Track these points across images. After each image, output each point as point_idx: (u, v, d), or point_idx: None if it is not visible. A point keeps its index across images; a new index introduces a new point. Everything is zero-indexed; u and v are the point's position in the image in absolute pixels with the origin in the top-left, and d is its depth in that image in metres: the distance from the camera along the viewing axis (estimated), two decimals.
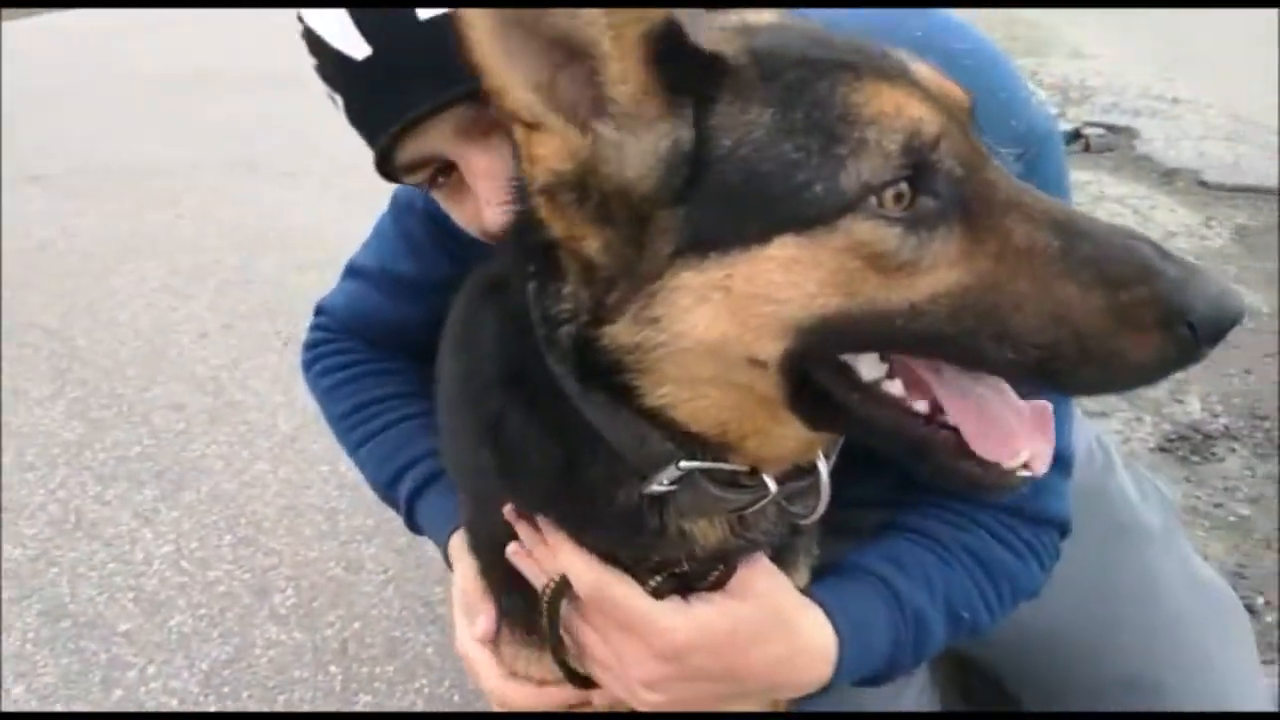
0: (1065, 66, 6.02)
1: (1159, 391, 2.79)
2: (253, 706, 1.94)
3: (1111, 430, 2.64)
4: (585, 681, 1.03)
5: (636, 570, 0.93)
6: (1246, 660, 1.47)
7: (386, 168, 1.07)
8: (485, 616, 1.09)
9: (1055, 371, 0.71)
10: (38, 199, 5.14)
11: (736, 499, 0.86)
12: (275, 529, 2.45)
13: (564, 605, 0.97)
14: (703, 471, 0.83)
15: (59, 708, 1.98)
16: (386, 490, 1.33)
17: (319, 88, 1.07)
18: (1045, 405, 0.81)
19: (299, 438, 2.78)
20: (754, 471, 0.85)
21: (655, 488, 0.84)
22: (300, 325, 1.52)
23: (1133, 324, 0.68)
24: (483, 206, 1.03)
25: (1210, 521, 2.29)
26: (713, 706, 1.03)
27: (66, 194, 5.18)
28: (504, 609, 1.08)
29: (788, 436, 0.83)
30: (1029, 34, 6.98)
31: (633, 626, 0.93)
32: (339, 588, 2.23)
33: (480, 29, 0.68)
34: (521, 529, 0.99)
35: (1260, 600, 2.06)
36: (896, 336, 0.73)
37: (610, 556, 0.94)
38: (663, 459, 0.83)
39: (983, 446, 0.76)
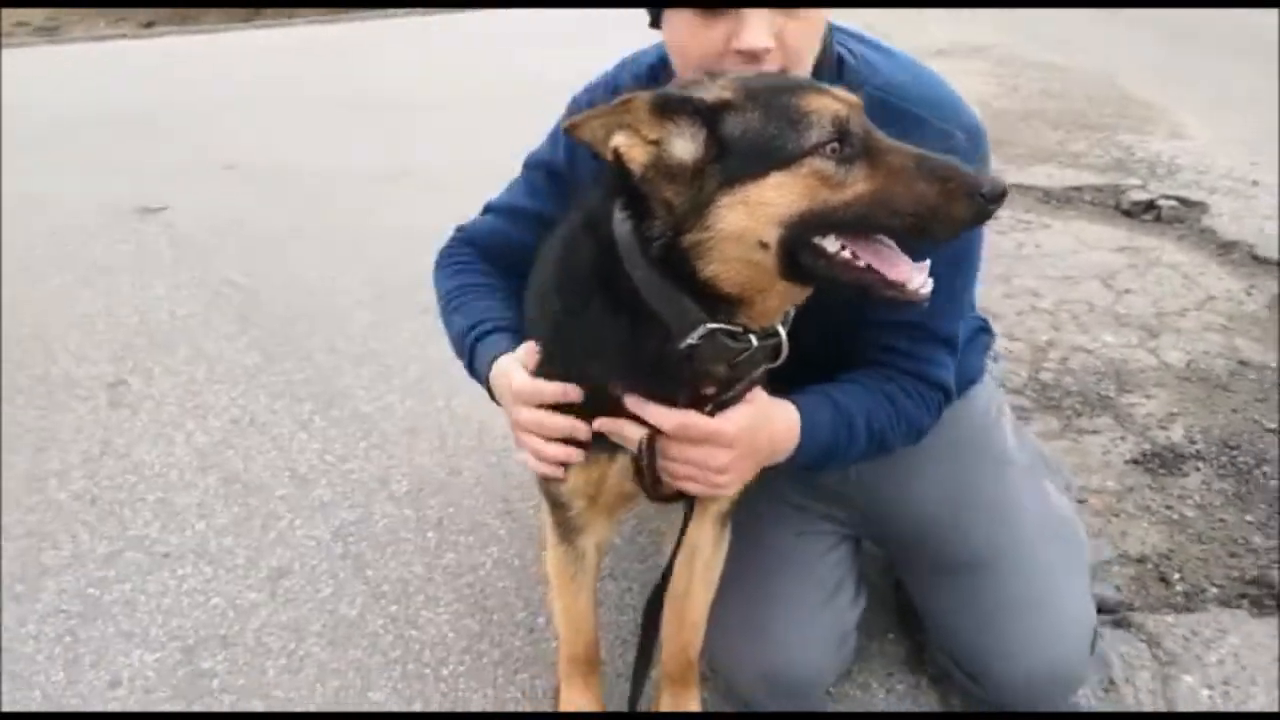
0: (1161, 145, 6.33)
1: (1150, 420, 3.20)
2: (370, 555, 2.58)
3: (1096, 443, 3.07)
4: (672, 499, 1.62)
5: (694, 408, 1.51)
6: (1074, 571, 1.96)
7: None
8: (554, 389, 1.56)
9: (923, 226, 1.30)
10: (232, 183, 6.10)
11: (736, 347, 1.43)
12: (398, 443, 3.11)
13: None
14: (718, 330, 1.40)
15: (228, 541, 2.66)
16: (461, 338, 1.81)
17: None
18: (924, 263, 1.37)
19: (423, 379, 3.47)
20: (745, 331, 1.42)
21: (691, 341, 1.41)
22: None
23: (953, 196, 1.28)
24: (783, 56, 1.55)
25: (1156, 517, 2.70)
26: (753, 473, 1.63)
27: (253, 181, 6.12)
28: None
29: (777, 295, 1.40)
30: (1138, 113, 7.29)
31: (707, 437, 1.52)
32: (441, 485, 2.87)
33: (594, 130, 1.35)
34: (631, 402, 1.51)
35: (1176, 575, 2.48)
36: (841, 220, 1.31)
37: (670, 401, 1.50)
38: (694, 323, 1.40)
39: (892, 275, 1.34)
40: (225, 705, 2.12)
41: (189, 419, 3.29)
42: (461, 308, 1.88)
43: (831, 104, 1.33)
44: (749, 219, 1.31)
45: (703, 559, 1.78)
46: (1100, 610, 2.31)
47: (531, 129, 2.10)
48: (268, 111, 8.05)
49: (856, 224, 1.32)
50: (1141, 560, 2.55)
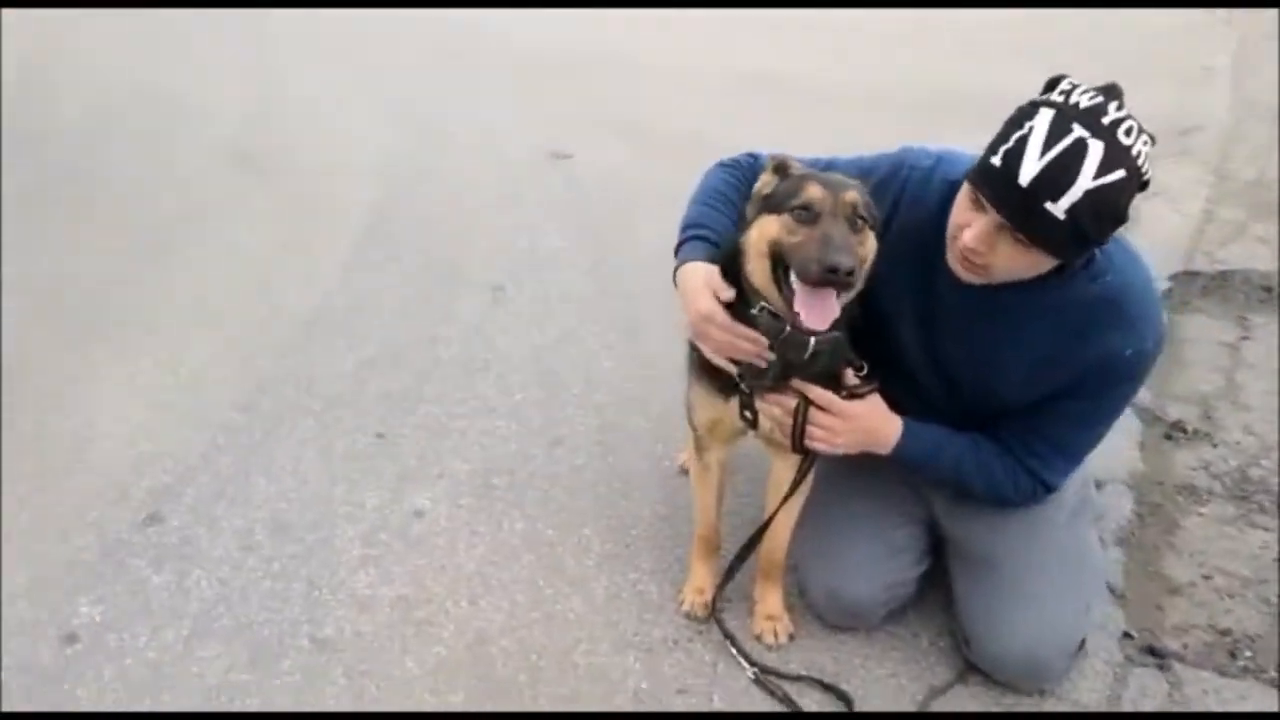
0: None
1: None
2: (617, 446, 3.59)
3: (1258, 538, 3.33)
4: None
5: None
6: (1078, 591, 2.50)
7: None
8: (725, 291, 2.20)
9: (819, 261, 1.95)
10: (630, 142, 7.30)
11: (774, 325, 2.19)
12: (666, 379, 4.07)
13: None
14: (765, 308, 2.20)
15: (532, 412, 3.79)
16: (685, 227, 2.40)
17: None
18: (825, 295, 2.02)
19: None
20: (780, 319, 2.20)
21: (753, 312, 2.22)
22: None
23: (821, 262, 1.95)
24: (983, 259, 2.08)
25: (1267, 610, 2.98)
26: (856, 449, 2.40)
27: (650, 143, 7.27)
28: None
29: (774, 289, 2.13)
30: None
31: (838, 411, 2.34)
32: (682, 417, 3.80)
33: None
34: (796, 383, 2.33)
35: (1246, 654, 2.80)
36: (787, 249, 2.05)
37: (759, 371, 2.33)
38: (754, 302, 2.23)
39: (796, 306, 2.03)
40: (498, 510, 3.24)
41: (535, 326, 4.51)
42: (701, 205, 2.47)
43: (818, 191, 2.06)
44: (758, 236, 2.13)
45: (784, 489, 2.56)
46: (1153, 653, 2.78)
47: (912, 135, 2.59)
48: (685, 81, 8.74)
49: (788, 256, 2.06)
50: (1225, 633, 2.89)
